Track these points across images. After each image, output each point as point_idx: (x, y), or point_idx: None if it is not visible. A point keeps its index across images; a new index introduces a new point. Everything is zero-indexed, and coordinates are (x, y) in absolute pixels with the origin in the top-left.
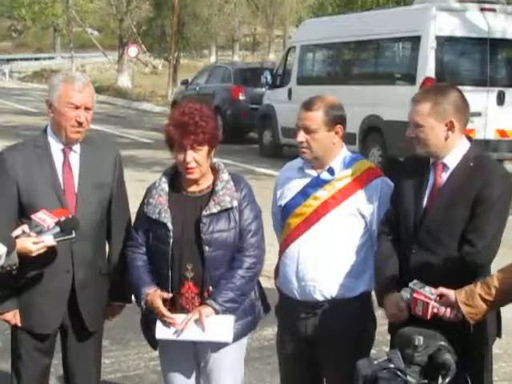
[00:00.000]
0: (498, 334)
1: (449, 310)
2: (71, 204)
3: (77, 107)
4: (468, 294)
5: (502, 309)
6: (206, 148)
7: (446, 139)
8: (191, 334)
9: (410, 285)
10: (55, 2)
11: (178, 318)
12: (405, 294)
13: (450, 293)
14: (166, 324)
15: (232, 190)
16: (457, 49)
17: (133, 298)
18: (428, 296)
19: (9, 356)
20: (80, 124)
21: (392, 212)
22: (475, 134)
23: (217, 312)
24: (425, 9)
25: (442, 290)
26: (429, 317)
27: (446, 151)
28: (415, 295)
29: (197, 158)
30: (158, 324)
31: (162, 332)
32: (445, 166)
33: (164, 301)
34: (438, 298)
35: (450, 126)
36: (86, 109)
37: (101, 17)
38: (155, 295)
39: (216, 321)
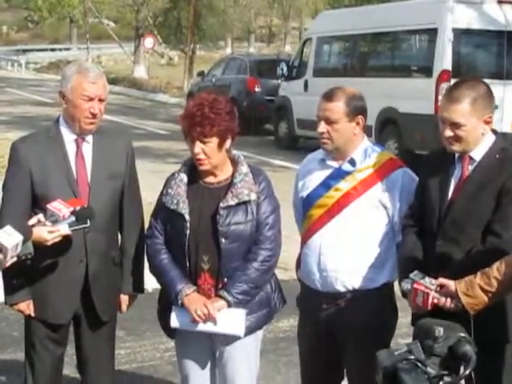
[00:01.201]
0: None
1: (449, 300)
2: (84, 194)
3: (91, 99)
4: (468, 285)
5: None
6: (215, 140)
7: (482, 134)
8: (204, 324)
9: (411, 275)
10: None
11: None
12: (405, 284)
13: (450, 283)
14: (183, 314)
15: (250, 183)
16: (474, 41)
17: (146, 287)
18: (428, 286)
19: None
20: (94, 115)
21: (417, 205)
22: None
23: (229, 304)
24: (442, 1)
25: (442, 280)
26: (429, 307)
27: (477, 145)
28: (415, 286)
29: (206, 150)
30: (173, 313)
31: (176, 321)
32: (471, 159)
33: None
34: (438, 289)
35: (488, 121)
36: (100, 100)
37: (117, 8)
38: (199, 298)
39: (228, 314)
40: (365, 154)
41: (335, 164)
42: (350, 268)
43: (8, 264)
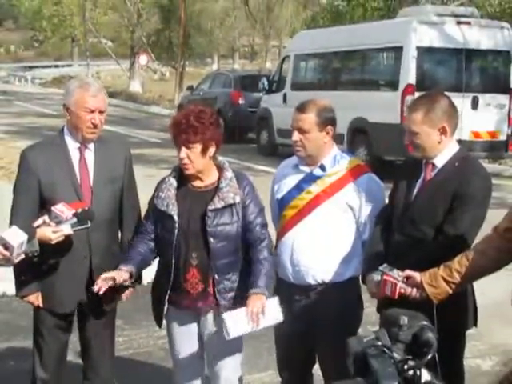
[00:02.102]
0: (475, 323)
1: (414, 290)
2: (87, 197)
3: (92, 111)
4: (432, 276)
5: (476, 293)
6: (199, 146)
7: (439, 143)
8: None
9: (380, 268)
10: (73, 15)
11: (240, 312)
12: (375, 276)
13: (416, 275)
14: (238, 320)
15: (235, 187)
16: (435, 58)
17: (142, 281)
18: (396, 278)
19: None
20: (95, 126)
21: (389, 206)
22: None
23: (266, 297)
24: (407, 22)
25: (409, 272)
26: (396, 296)
27: (437, 153)
28: (385, 277)
29: (190, 155)
30: (229, 324)
31: (235, 330)
32: (434, 166)
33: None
34: (405, 280)
35: (443, 131)
36: (100, 112)
37: (114, 28)
38: (117, 271)
39: (268, 306)
40: (334, 160)
41: (307, 169)
42: (320, 263)
43: (16, 261)
